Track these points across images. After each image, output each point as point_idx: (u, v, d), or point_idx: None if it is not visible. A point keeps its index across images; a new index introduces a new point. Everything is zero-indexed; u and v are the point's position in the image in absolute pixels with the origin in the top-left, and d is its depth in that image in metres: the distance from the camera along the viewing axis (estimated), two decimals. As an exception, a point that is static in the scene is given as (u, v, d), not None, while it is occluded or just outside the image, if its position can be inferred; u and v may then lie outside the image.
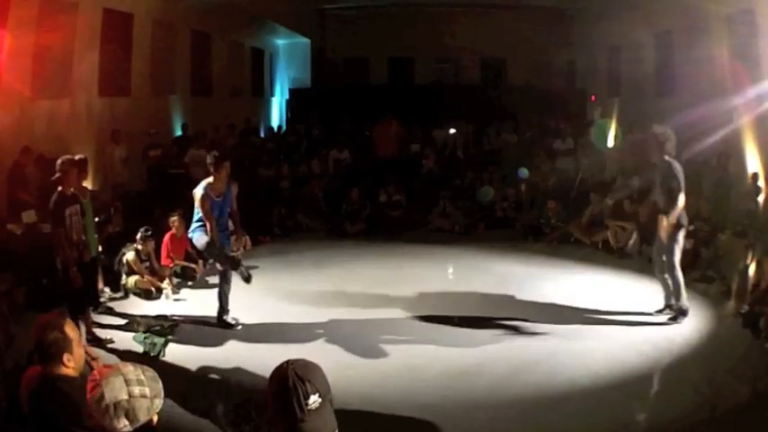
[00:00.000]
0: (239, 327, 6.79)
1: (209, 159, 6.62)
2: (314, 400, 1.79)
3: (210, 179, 6.58)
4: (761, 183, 9.59)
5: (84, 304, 6.28)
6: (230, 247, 6.97)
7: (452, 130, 14.92)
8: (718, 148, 10.23)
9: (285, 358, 1.87)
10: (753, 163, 9.96)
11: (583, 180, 12.14)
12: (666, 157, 6.55)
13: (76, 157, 6.56)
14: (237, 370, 5.78)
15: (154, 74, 12.98)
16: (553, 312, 7.18)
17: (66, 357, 2.91)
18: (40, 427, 2.86)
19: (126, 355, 5.91)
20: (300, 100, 19.34)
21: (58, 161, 6.10)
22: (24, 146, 8.81)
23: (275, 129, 18.01)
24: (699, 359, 5.94)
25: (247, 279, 6.87)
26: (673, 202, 6.45)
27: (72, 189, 6.10)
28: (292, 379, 1.80)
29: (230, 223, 7.07)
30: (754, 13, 9.72)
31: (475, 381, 5.55)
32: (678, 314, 6.73)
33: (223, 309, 6.86)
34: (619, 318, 6.97)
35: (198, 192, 6.49)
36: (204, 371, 5.81)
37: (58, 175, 6.02)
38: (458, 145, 14.60)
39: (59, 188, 6.00)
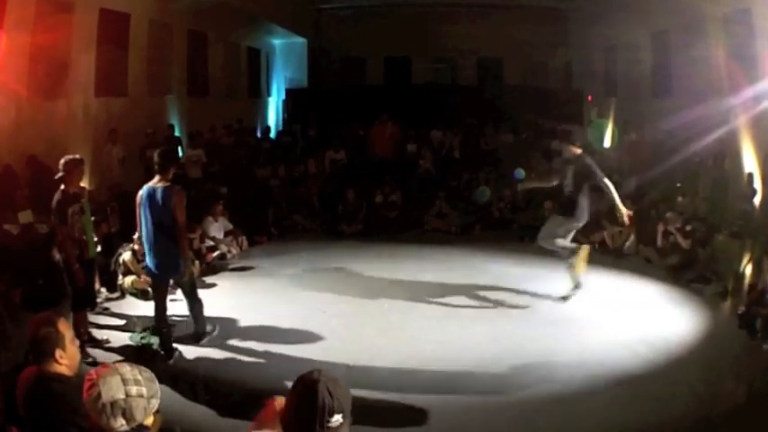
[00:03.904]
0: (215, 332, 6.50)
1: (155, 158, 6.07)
2: (336, 419, 1.75)
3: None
4: (756, 184, 9.60)
5: (84, 302, 6.29)
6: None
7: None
8: (715, 149, 10.24)
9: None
10: (749, 163, 9.97)
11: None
12: (573, 149, 6.99)
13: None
14: (234, 370, 5.77)
15: (150, 74, 12.95)
16: (549, 313, 7.21)
17: (58, 354, 2.91)
18: (35, 428, 2.86)
19: (123, 356, 5.91)
20: (297, 100, 19.31)
21: (62, 160, 6.11)
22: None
23: (272, 129, 18.00)
24: (695, 360, 5.95)
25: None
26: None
27: (74, 188, 6.13)
28: (323, 395, 1.75)
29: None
30: (751, 13, 9.74)
31: (471, 381, 5.55)
32: (571, 292, 7.23)
33: (201, 330, 6.38)
34: (615, 318, 6.99)
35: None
36: (200, 371, 5.79)
37: (61, 174, 6.03)
38: (454, 145, 14.59)
39: (62, 187, 6.02)
